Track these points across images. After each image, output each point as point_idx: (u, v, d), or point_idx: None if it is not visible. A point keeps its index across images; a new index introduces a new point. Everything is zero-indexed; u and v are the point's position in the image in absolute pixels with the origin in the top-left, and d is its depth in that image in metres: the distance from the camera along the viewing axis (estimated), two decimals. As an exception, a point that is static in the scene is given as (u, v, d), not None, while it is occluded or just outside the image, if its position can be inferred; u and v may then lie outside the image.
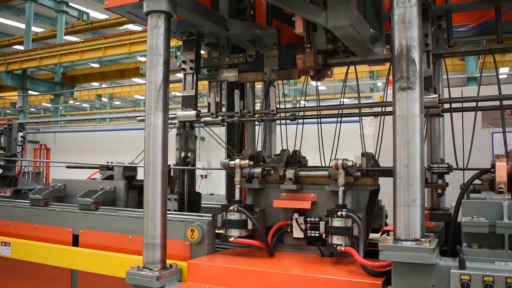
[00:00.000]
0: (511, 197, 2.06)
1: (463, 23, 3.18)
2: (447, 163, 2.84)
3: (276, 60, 3.09)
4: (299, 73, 3.03)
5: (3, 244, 3.41)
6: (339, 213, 2.41)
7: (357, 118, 3.22)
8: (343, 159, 2.53)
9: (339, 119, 3.19)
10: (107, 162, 3.87)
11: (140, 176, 3.79)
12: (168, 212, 2.60)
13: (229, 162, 2.80)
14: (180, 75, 3.33)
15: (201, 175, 18.57)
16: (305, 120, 3.36)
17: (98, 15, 24.47)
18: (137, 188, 3.71)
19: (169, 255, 2.54)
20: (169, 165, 3.38)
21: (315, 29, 2.77)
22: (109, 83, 28.65)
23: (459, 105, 2.88)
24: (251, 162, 2.76)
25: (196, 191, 3.66)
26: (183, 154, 3.49)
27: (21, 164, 5.89)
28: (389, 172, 2.32)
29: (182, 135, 3.50)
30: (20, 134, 6.24)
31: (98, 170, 3.97)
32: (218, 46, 3.32)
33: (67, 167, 4.71)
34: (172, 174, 3.46)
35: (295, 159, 3.06)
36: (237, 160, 2.77)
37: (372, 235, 2.86)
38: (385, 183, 2.59)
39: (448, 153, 3.14)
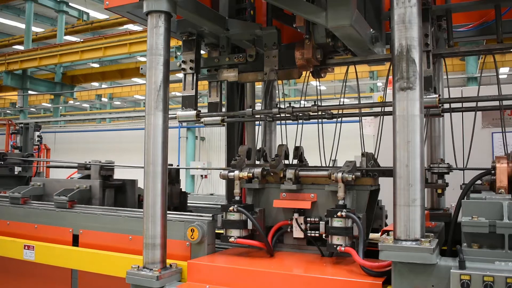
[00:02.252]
0: (511, 197, 2.06)
1: (463, 23, 3.18)
2: (447, 163, 2.84)
3: (276, 60, 3.09)
4: (299, 69, 3.02)
5: (26, 248, 3.41)
6: (339, 213, 2.41)
7: (357, 118, 3.22)
8: (343, 172, 2.51)
9: (339, 119, 3.19)
10: (85, 162, 3.96)
11: (119, 175, 3.87)
12: (168, 212, 2.59)
13: (228, 174, 2.80)
14: (180, 75, 3.33)
15: (201, 175, 18.60)
16: (305, 120, 3.36)
17: (98, 15, 24.47)
18: (113, 187, 3.80)
19: (169, 255, 2.54)
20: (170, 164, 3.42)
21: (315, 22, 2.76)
22: (109, 83, 28.65)
23: (459, 105, 2.88)
24: (250, 175, 2.76)
25: (183, 190, 3.76)
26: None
27: (38, 164, 5.85)
28: (389, 172, 2.32)
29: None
30: (37, 133, 6.19)
31: (76, 170, 4.03)
32: (218, 46, 3.32)
33: (48, 167, 4.84)
34: None
35: (297, 154, 3.05)
36: (236, 172, 2.77)
37: (372, 235, 2.86)
38: (385, 183, 2.59)
39: (448, 153, 3.14)
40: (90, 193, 3.64)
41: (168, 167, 3.47)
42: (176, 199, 3.82)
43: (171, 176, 3.70)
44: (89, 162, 3.91)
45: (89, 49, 19.65)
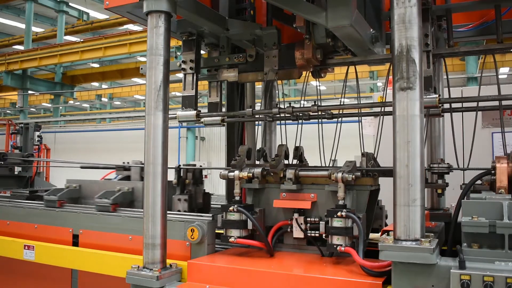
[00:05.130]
0: (511, 197, 2.06)
1: (463, 23, 3.18)
2: (447, 163, 2.84)
3: (276, 60, 3.09)
4: (299, 69, 3.02)
5: (26, 248, 3.38)
6: (339, 213, 2.40)
7: (357, 118, 3.22)
8: (343, 172, 2.52)
9: (339, 119, 3.19)
10: (123, 163, 3.76)
11: None
12: (168, 212, 2.60)
13: (228, 174, 2.80)
14: (180, 75, 3.33)
15: (201, 175, 18.56)
16: (305, 120, 3.36)
17: (98, 15, 24.48)
18: None
19: (169, 255, 2.54)
20: (179, 165, 3.38)
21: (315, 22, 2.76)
22: (109, 83, 28.67)
23: (459, 105, 2.89)
24: (250, 175, 2.76)
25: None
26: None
27: (38, 164, 5.82)
28: (389, 172, 2.32)
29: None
30: (37, 133, 6.15)
31: (112, 170, 3.89)
32: (218, 46, 3.32)
33: (82, 167, 4.59)
34: (182, 174, 3.40)
35: (297, 154, 3.05)
36: (236, 172, 2.77)
37: (372, 235, 2.86)
38: (385, 183, 2.59)
39: (448, 153, 3.14)
40: (132, 196, 3.38)
41: (191, 167, 3.44)
42: (199, 200, 3.61)
43: (195, 177, 3.51)
44: (128, 163, 3.72)
45: (89, 49, 19.66)
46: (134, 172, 3.65)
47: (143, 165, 3.49)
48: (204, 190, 3.68)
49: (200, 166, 3.59)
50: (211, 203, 4.18)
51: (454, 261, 1.89)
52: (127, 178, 3.67)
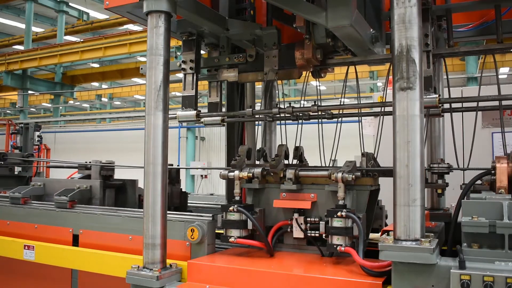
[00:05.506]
0: (511, 197, 2.06)
1: (463, 23, 3.18)
2: (447, 163, 2.84)
3: (276, 60, 3.09)
4: (299, 69, 3.02)
5: (26, 248, 3.40)
6: (339, 213, 2.40)
7: (357, 118, 3.22)
8: (343, 172, 2.52)
9: (339, 119, 3.19)
10: (86, 162, 3.97)
11: (119, 175, 3.90)
12: (168, 212, 2.59)
13: (228, 174, 2.80)
14: (180, 75, 3.33)
15: (201, 175, 18.61)
16: (305, 120, 3.36)
17: (98, 15, 24.48)
18: (114, 187, 3.80)
19: (169, 255, 2.54)
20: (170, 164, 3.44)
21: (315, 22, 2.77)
22: (109, 83, 28.67)
23: (459, 105, 2.89)
24: (250, 175, 2.76)
25: (184, 190, 3.78)
26: None
27: (38, 164, 5.87)
28: (389, 172, 2.32)
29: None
30: (37, 133, 6.17)
31: (76, 170, 4.06)
32: (218, 46, 3.32)
33: (47, 167, 4.85)
34: None
35: (297, 154, 3.05)
36: (236, 172, 2.77)
37: (372, 235, 2.86)
38: (385, 183, 2.59)
39: (448, 153, 3.14)
40: (90, 193, 3.64)
41: (168, 167, 3.53)
42: (176, 199, 3.83)
43: (171, 176, 3.69)
44: (90, 162, 3.92)
45: (89, 49, 19.66)
46: (94, 171, 3.82)
47: (102, 164, 3.75)
48: (181, 189, 3.82)
49: (178, 165, 3.69)
50: (212, 203, 4.22)
51: (454, 261, 1.89)
52: (88, 176, 3.87)
